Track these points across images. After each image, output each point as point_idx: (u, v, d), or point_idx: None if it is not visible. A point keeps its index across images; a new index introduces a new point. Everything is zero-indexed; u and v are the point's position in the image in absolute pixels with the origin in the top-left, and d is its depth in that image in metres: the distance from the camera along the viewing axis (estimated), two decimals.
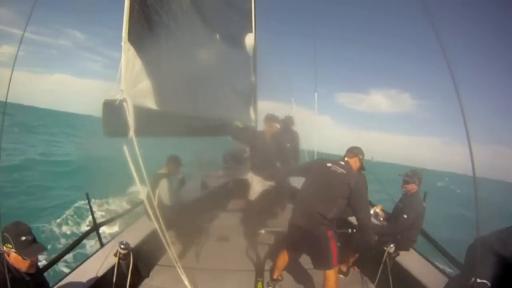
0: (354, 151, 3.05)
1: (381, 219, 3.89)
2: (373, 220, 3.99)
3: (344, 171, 2.85)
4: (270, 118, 4.51)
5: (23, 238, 1.80)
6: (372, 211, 3.89)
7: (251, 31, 5.09)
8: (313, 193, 2.92)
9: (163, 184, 3.76)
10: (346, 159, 3.03)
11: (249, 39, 4.99)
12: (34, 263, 1.88)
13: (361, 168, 3.11)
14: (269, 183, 4.52)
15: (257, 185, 4.50)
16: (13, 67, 1.83)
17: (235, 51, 4.69)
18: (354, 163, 3.01)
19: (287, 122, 5.69)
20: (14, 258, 1.80)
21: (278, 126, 4.49)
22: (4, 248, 1.80)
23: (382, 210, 4.04)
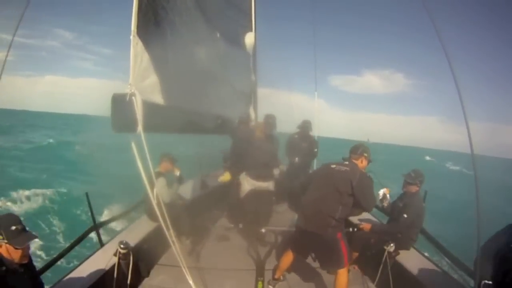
0: (359, 151, 3.01)
1: (385, 205, 3.83)
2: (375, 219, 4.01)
3: (348, 169, 2.86)
4: (270, 118, 4.38)
5: (13, 227, 1.77)
6: (381, 193, 3.85)
7: (251, 30, 5.09)
8: (318, 195, 2.92)
9: (160, 183, 3.72)
10: (351, 159, 3.01)
11: (249, 38, 4.99)
12: (26, 253, 1.86)
13: (369, 163, 3.08)
14: (261, 184, 4.25)
15: (247, 185, 4.28)
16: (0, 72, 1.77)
17: (236, 50, 4.68)
18: (361, 163, 2.99)
19: (306, 127, 5.44)
20: (6, 249, 1.77)
21: (275, 124, 4.34)
22: None
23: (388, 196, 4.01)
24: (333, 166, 2.97)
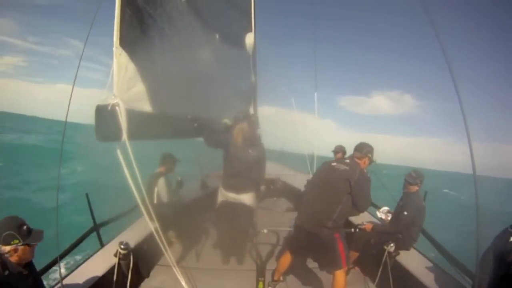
0: (364, 151, 2.98)
1: (388, 219, 3.86)
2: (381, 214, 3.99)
3: (347, 168, 2.84)
4: (244, 118, 3.69)
5: (24, 227, 1.81)
6: (383, 214, 3.87)
7: (251, 31, 5.07)
8: (317, 194, 2.93)
9: (161, 183, 3.77)
10: (354, 157, 2.98)
11: (249, 39, 4.97)
12: (34, 250, 1.89)
13: (370, 163, 3.06)
14: (234, 196, 3.62)
15: (220, 196, 3.72)
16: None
17: (235, 51, 4.68)
18: (363, 163, 2.97)
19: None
20: (23, 250, 1.80)
21: (249, 125, 3.62)
22: (8, 248, 1.77)
23: (388, 213, 4.02)
24: (334, 164, 2.95)
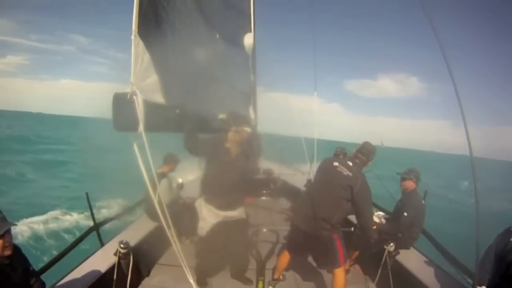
0: (370, 157, 2.96)
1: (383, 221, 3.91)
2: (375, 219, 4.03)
3: (350, 174, 2.77)
4: (236, 118, 3.13)
5: None
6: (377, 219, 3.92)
7: (250, 31, 5.11)
8: (317, 195, 2.90)
9: (163, 184, 3.74)
10: (357, 157, 2.94)
11: (248, 39, 5.00)
12: (8, 243, 1.72)
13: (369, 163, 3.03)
14: (230, 214, 3.08)
15: (211, 217, 3.05)
16: None
17: (235, 50, 4.69)
18: (363, 164, 2.96)
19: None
20: None
21: (248, 130, 3.11)
22: None
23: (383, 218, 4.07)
24: (336, 164, 2.88)
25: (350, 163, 2.88)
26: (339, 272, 2.85)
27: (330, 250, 2.84)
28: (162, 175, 3.80)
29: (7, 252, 1.72)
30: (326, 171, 2.96)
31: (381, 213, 4.20)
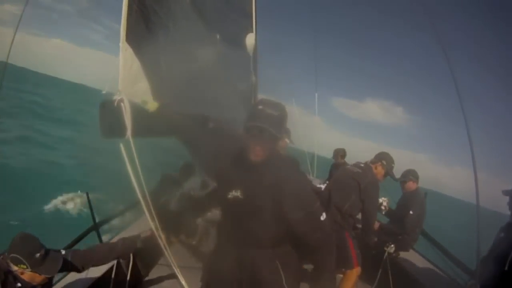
0: (379, 156, 3.00)
1: (383, 213, 3.80)
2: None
3: (360, 171, 2.88)
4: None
5: (37, 255, 1.65)
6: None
7: (252, 31, 5.07)
8: (330, 190, 2.97)
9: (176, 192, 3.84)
10: (369, 162, 3.02)
11: (250, 39, 4.97)
12: (48, 279, 1.80)
13: (386, 175, 3.00)
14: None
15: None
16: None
17: (236, 51, 4.67)
18: (375, 169, 2.96)
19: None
20: (30, 276, 1.67)
21: (287, 141, 2.70)
22: (15, 267, 1.64)
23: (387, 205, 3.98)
24: (348, 166, 3.07)
25: (362, 164, 2.99)
26: (351, 274, 2.79)
27: (343, 248, 2.76)
28: (174, 180, 3.89)
29: (45, 281, 1.78)
30: (339, 173, 3.17)
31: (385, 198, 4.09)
